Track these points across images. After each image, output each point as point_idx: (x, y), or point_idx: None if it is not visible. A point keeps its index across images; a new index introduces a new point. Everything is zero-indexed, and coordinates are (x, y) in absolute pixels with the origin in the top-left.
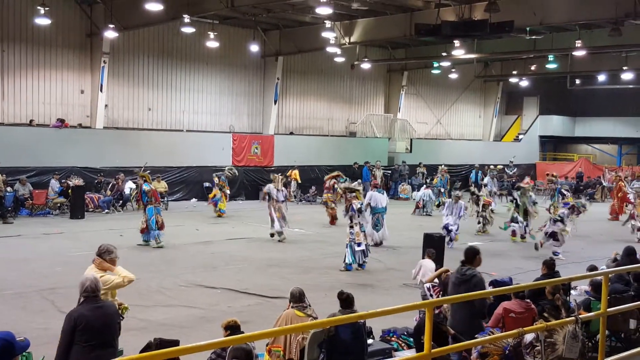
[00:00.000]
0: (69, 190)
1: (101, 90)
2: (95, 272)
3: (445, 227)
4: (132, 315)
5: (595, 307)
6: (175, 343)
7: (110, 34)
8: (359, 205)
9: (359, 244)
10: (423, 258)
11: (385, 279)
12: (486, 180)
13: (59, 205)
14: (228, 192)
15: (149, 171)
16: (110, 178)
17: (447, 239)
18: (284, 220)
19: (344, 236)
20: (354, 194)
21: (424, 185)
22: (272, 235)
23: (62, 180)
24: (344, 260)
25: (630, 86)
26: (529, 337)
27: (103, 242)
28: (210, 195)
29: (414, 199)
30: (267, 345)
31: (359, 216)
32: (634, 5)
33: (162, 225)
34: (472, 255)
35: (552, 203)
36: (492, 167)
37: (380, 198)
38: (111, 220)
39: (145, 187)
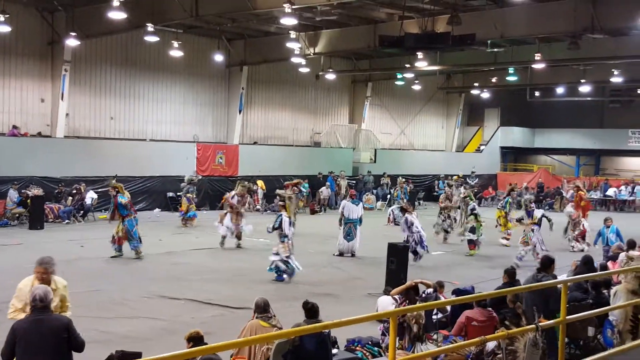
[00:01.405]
0: (28, 200)
1: (62, 99)
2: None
3: (415, 250)
4: (94, 328)
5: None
6: (137, 355)
7: (71, 42)
8: (269, 225)
9: (275, 254)
10: (387, 267)
11: (349, 289)
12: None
13: (17, 215)
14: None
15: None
16: (70, 188)
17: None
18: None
19: (307, 246)
20: (282, 203)
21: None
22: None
23: (21, 190)
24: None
25: (588, 98)
26: (490, 345)
27: (63, 252)
28: (183, 209)
29: (379, 209)
30: (231, 356)
31: (274, 229)
32: (591, 20)
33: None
34: (548, 264)
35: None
36: (455, 177)
37: (353, 208)
38: (72, 231)
39: (122, 199)
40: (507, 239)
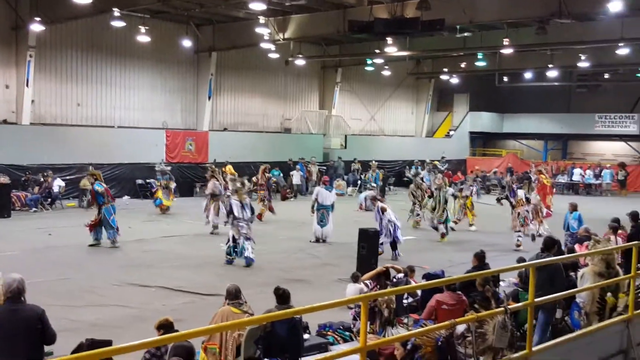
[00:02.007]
0: None
1: (27, 86)
2: None
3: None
4: (63, 316)
5: (523, 298)
6: (108, 343)
7: (36, 27)
8: (227, 209)
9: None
10: (358, 253)
11: (321, 275)
12: (423, 173)
13: None
14: (173, 186)
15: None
16: (37, 176)
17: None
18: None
19: (279, 232)
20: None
21: (366, 188)
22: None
23: None
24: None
25: (556, 83)
26: (460, 328)
27: (31, 241)
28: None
29: (350, 195)
30: (202, 343)
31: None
32: (559, 5)
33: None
34: (551, 244)
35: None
36: (428, 161)
37: (327, 194)
38: (39, 219)
39: (98, 187)
40: (473, 224)
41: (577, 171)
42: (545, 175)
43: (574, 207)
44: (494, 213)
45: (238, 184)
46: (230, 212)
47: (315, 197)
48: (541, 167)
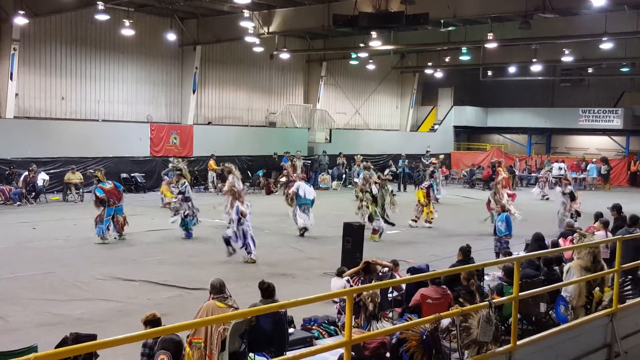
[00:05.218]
0: None
1: (11, 79)
2: None
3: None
4: (47, 310)
5: (507, 292)
6: (92, 337)
7: (20, 20)
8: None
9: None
10: (343, 246)
11: (305, 268)
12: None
13: None
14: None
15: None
16: (22, 169)
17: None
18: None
19: (263, 226)
20: (179, 172)
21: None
22: None
23: None
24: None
25: (539, 78)
26: (445, 322)
27: (16, 235)
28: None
29: (335, 189)
30: (187, 337)
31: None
32: None
33: (122, 227)
34: (636, 219)
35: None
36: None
37: (308, 189)
38: (24, 213)
39: (98, 193)
40: (430, 222)
41: (556, 165)
42: (502, 168)
43: (502, 208)
44: (479, 207)
45: (183, 170)
46: (181, 192)
47: (295, 190)
48: (502, 159)
